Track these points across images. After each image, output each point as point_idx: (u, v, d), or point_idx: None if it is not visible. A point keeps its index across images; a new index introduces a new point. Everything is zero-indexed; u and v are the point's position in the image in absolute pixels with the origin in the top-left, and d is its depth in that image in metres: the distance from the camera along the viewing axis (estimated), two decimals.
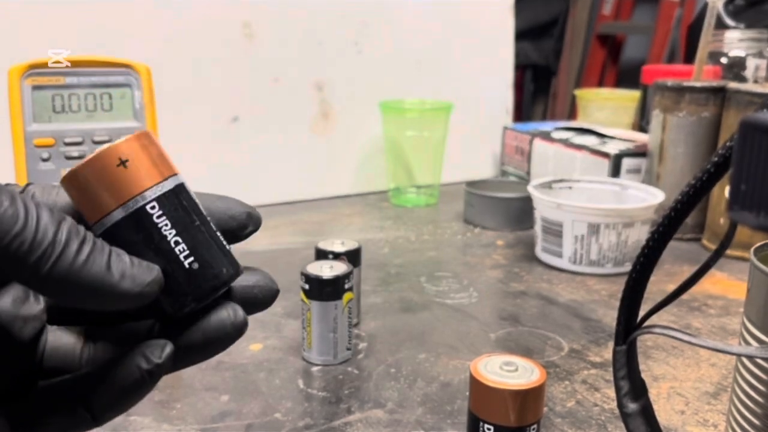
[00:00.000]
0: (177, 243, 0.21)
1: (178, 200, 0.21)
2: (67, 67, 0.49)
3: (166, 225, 0.20)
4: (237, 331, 0.22)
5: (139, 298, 0.20)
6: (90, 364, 0.23)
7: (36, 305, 0.22)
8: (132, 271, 0.19)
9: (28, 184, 0.22)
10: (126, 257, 0.20)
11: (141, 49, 0.79)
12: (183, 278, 0.21)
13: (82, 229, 0.19)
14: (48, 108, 0.49)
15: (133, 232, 0.20)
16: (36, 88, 0.49)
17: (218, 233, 0.22)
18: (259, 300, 0.24)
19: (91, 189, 0.20)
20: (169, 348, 0.21)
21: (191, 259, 0.21)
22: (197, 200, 0.22)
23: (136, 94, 0.51)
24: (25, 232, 0.18)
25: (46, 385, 0.22)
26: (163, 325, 0.23)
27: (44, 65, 0.49)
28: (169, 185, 0.21)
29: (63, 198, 0.22)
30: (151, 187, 0.20)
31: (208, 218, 0.22)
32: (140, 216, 0.20)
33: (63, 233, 0.18)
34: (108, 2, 0.79)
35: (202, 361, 0.23)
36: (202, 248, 0.21)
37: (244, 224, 0.23)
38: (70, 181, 0.20)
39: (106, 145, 0.20)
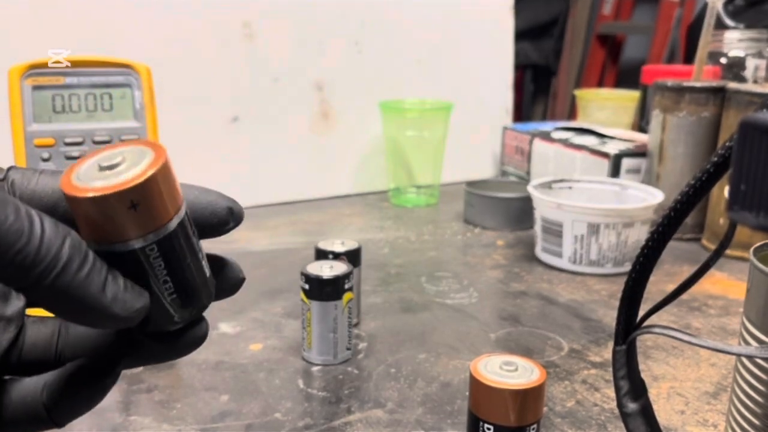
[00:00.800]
0: (165, 282, 0.21)
1: (177, 240, 0.21)
2: (67, 67, 0.49)
3: (160, 266, 0.21)
4: (200, 341, 0.24)
5: (124, 322, 0.20)
6: (64, 360, 0.24)
7: (17, 302, 0.23)
8: (124, 296, 0.20)
9: (8, 169, 0.22)
10: (120, 280, 0.20)
11: (141, 49, 0.79)
12: (163, 311, 0.22)
13: (83, 245, 0.19)
14: (48, 108, 0.49)
15: (129, 264, 0.20)
16: (36, 88, 0.49)
17: (204, 262, 0.23)
18: (223, 289, 0.25)
19: (92, 220, 0.20)
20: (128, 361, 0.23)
21: (175, 296, 0.22)
22: (192, 230, 0.22)
23: (136, 94, 0.51)
24: (28, 247, 0.18)
25: (12, 386, 0.23)
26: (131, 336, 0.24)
27: (44, 65, 0.49)
28: (172, 226, 0.21)
29: (43, 185, 0.22)
30: (154, 230, 0.20)
31: (198, 249, 0.22)
32: (138, 255, 0.20)
33: (66, 249, 0.18)
34: (108, 2, 0.79)
35: (160, 362, 0.24)
36: (188, 286, 0.22)
37: (225, 221, 0.23)
38: (75, 202, 0.20)
39: (122, 179, 0.19)
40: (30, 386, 0.23)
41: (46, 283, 0.18)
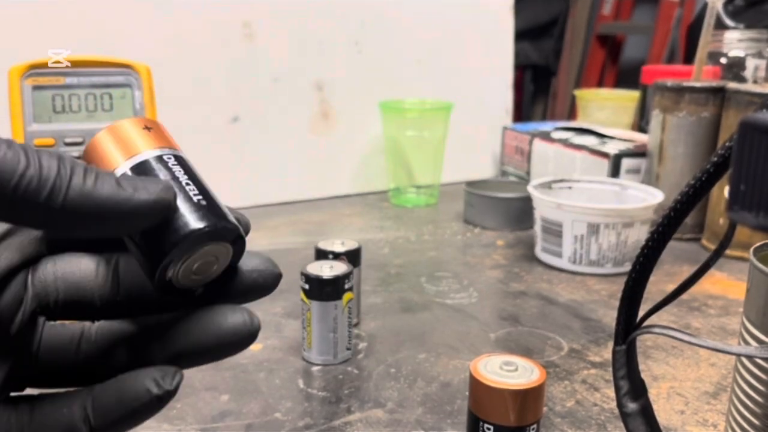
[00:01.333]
0: (188, 184, 0.22)
1: (188, 164, 0.23)
2: (67, 67, 0.49)
3: (179, 170, 0.22)
4: (250, 335, 0.22)
5: (155, 208, 0.20)
6: (86, 362, 0.23)
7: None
8: (143, 184, 0.20)
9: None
10: (134, 177, 0.20)
11: (141, 49, 0.79)
12: (194, 209, 0.21)
13: (81, 161, 0.20)
14: (48, 108, 0.49)
15: (152, 169, 0.22)
16: (36, 88, 0.49)
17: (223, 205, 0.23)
18: (260, 285, 0.24)
19: (124, 137, 0.22)
20: (179, 376, 0.21)
21: (200, 197, 0.22)
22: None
23: (136, 94, 0.51)
24: (30, 170, 0.18)
25: (48, 395, 0.22)
26: (171, 325, 0.22)
27: (44, 65, 0.49)
28: (180, 153, 0.23)
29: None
30: (168, 147, 0.23)
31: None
32: (160, 159, 0.22)
33: (67, 164, 0.19)
34: (108, 2, 0.79)
35: (208, 363, 0.23)
36: (211, 196, 0.22)
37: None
38: (105, 132, 0.23)
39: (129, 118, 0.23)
40: (63, 402, 0.22)
41: (60, 200, 0.18)
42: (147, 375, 0.21)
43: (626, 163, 0.81)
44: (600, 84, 2.18)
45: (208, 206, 0.21)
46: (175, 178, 0.22)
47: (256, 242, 0.76)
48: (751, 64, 0.90)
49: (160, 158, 0.22)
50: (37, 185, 0.18)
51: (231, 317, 0.22)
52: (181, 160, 0.22)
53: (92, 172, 0.19)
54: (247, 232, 0.23)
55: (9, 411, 0.21)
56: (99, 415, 0.21)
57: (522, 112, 2.29)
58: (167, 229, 0.21)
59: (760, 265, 0.31)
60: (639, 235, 0.66)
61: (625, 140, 0.86)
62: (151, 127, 0.23)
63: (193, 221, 0.21)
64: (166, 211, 0.20)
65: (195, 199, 0.21)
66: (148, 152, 0.22)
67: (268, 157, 0.91)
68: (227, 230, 0.21)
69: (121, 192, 0.19)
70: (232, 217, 0.22)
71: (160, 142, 0.23)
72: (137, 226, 0.20)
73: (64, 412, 0.21)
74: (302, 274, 0.47)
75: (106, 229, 0.20)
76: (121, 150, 0.22)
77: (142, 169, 0.22)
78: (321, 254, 0.52)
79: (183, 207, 0.21)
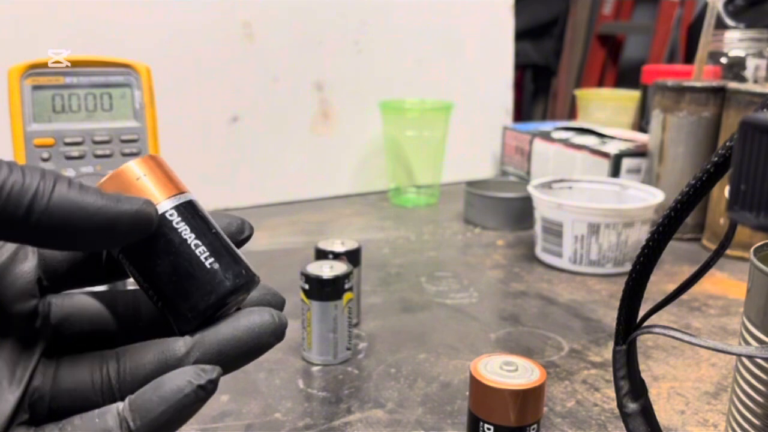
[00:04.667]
0: (197, 246, 0.22)
1: (194, 210, 0.22)
2: (67, 67, 0.49)
3: (186, 230, 0.22)
4: (279, 329, 0.23)
5: (138, 218, 0.20)
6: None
7: (9, 396, 0.21)
8: (126, 197, 0.20)
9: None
10: (117, 193, 0.21)
11: (141, 49, 0.79)
12: (206, 276, 0.21)
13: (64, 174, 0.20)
14: (48, 108, 0.49)
15: (154, 237, 0.21)
16: (36, 87, 0.49)
17: (232, 245, 0.23)
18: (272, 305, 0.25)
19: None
20: (218, 369, 0.21)
21: (212, 259, 0.22)
22: (209, 217, 0.23)
23: (136, 94, 0.51)
24: (13, 176, 0.18)
25: (78, 404, 0.22)
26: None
27: (44, 65, 0.49)
28: (184, 198, 0.22)
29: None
30: (168, 198, 0.22)
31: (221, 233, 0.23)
32: (160, 222, 0.21)
33: (50, 175, 0.19)
34: (108, 2, 0.79)
35: (240, 366, 0.23)
36: (222, 250, 0.22)
37: (241, 229, 0.25)
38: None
39: (122, 165, 0.22)
40: (94, 411, 0.21)
41: (43, 204, 0.18)
42: (185, 371, 0.21)
43: (627, 162, 0.81)
44: (600, 84, 2.18)
45: (222, 266, 0.22)
46: (183, 241, 0.21)
47: (256, 242, 0.76)
48: (751, 63, 0.90)
49: (162, 218, 0.21)
50: (20, 189, 0.18)
51: (259, 315, 0.22)
52: (184, 212, 0.22)
53: (76, 183, 0.19)
54: (252, 232, 0.25)
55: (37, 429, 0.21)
56: (139, 416, 0.20)
57: (522, 111, 2.29)
58: (188, 299, 0.21)
59: (761, 265, 0.31)
60: (639, 235, 0.66)
61: (625, 140, 0.86)
62: (145, 172, 0.22)
63: (207, 291, 0.21)
64: (148, 224, 0.20)
65: (207, 264, 0.21)
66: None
67: (268, 157, 0.91)
68: (243, 285, 0.22)
69: (104, 200, 0.19)
70: (245, 266, 0.23)
71: (162, 192, 0.22)
72: (120, 238, 0.20)
73: (96, 422, 0.20)
74: (302, 274, 0.47)
75: (87, 239, 0.20)
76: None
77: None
78: (321, 254, 0.52)
79: (198, 278, 0.21)
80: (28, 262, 0.22)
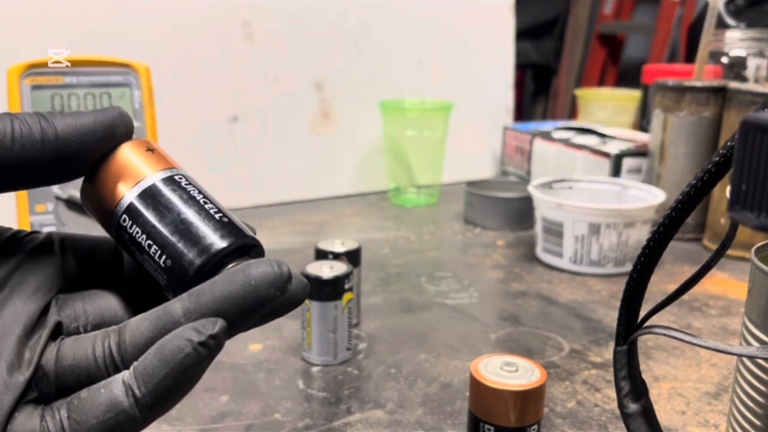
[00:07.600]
0: (206, 202, 0.23)
1: (197, 182, 0.24)
2: (66, 66, 0.49)
3: (195, 190, 0.23)
4: (281, 279, 0.21)
5: (124, 116, 0.23)
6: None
7: (19, 376, 0.21)
8: (101, 109, 0.23)
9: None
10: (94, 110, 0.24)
11: (141, 49, 0.79)
12: (217, 225, 0.23)
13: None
14: (47, 108, 0.49)
15: (163, 193, 0.23)
16: (35, 87, 0.49)
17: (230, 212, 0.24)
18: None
19: (129, 162, 0.23)
20: (221, 322, 0.20)
21: (221, 214, 0.23)
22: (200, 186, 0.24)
23: (135, 94, 0.51)
24: (17, 122, 0.21)
25: (83, 380, 0.22)
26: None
27: (44, 65, 0.49)
28: (186, 172, 0.24)
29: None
30: (168, 168, 0.24)
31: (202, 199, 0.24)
32: (172, 180, 0.23)
33: (45, 113, 0.22)
34: (108, 2, 0.79)
35: (247, 325, 0.22)
36: (229, 213, 0.23)
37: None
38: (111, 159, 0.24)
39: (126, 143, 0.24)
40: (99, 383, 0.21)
41: (53, 132, 0.22)
42: (184, 330, 0.20)
43: (627, 162, 0.81)
44: (601, 83, 2.18)
45: (230, 223, 0.23)
46: (192, 198, 0.23)
47: None
48: (752, 63, 0.89)
49: (171, 179, 0.23)
50: (29, 127, 0.21)
51: (256, 267, 0.21)
52: (192, 179, 0.24)
53: (56, 113, 0.22)
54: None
55: (43, 409, 0.21)
56: (143, 383, 0.20)
57: (522, 111, 2.29)
58: (195, 247, 0.22)
59: (762, 266, 0.31)
60: (640, 235, 0.66)
61: (626, 140, 0.86)
62: (153, 148, 0.24)
63: (218, 240, 0.22)
64: (129, 122, 0.24)
65: (217, 216, 0.23)
66: (161, 173, 0.23)
67: (268, 157, 0.91)
68: (250, 245, 0.23)
69: (92, 114, 0.23)
70: (249, 231, 0.23)
71: (166, 164, 0.24)
72: (120, 138, 0.23)
73: (102, 393, 0.20)
74: (302, 274, 0.47)
75: (97, 146, 0.23)
76: (148, 164, 0.23)
77: (155, 191, 0.23)
78: (321, 254, 0.52)
79: (207, 225, 0.22)
80: (54, 257, 0.24)
